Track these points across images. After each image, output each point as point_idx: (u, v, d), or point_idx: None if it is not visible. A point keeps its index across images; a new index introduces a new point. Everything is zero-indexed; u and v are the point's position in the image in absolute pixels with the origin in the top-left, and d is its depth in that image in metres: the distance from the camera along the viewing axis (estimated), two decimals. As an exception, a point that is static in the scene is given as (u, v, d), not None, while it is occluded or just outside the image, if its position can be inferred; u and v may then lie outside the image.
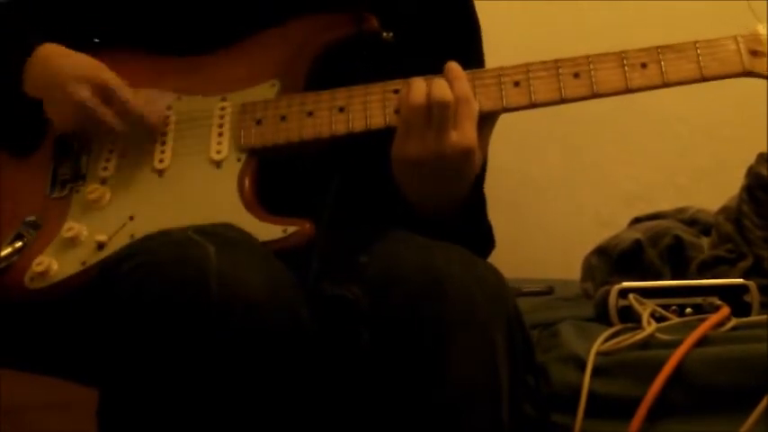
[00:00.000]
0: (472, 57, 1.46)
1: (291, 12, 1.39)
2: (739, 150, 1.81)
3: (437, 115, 1.24)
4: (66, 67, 1.34)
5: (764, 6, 2.16)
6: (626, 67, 1.27)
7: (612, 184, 2.47)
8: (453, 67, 1.28)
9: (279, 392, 1.13)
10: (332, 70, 1.37)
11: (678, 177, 2.40)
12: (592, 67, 1.28)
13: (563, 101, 1.29)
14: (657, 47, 1.28)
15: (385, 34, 1.38)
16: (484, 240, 1.43)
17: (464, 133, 1.25)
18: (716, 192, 1.84)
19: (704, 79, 1.27)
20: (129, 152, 1.37)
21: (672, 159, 2.41)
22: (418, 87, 1.26)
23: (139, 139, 1.36)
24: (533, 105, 1.29)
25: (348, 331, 1.21)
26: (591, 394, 1.30)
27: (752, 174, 1.67)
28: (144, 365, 1.10)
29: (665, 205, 2.04)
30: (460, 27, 1.49)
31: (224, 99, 1.36)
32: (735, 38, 1.28)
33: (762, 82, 1.30)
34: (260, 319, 1.11)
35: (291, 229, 1.25)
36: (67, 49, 1.37)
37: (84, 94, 1.32)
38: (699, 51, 1.27)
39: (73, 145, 1.39)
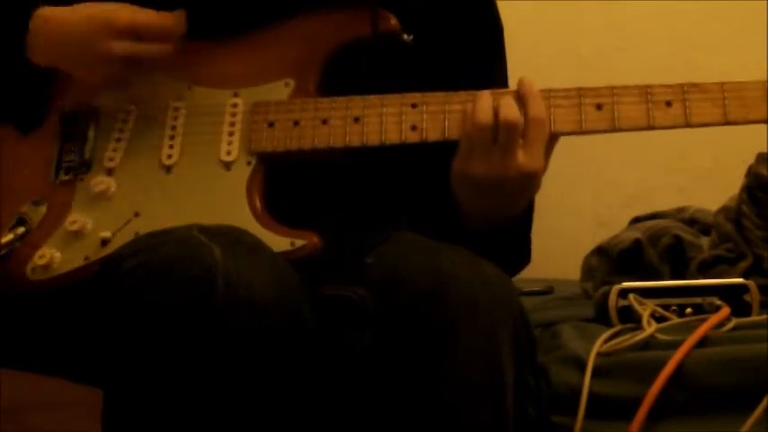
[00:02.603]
0: (495, 59, 1.42)
1: (307, 4, 1.34)
2: (739, 150, 1.81)
3: (504, 136, 1.20)
4: (76, 27, 1.28)
5: (764, 7, 2.17)
6: (650, 104, 1.25)
7: (612, 184, 2.47)
8: (527, 83, 1.24)
9: (282, 392, 1.13)
10: (347, 69, 1.34)
11: (678, 177, 2.40)
12: (615, 99, 1.25)
13: (583, 132, 1.27)
14: (683, 84, 1.25)
15: (405, 36, 1.32)
16: (522, 256, 1.38)
17: (533, 156, 1.21)
18: (715, 192, 1.84)
19: (727, 123, 1.25)
20: (137, 142, 1.34)
21: (672, 159, 2.40)
22: (484, 105, 1.21)
23: (148, 129, 1.34)
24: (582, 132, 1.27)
25: (352, 332, 1.21)
26: (591, 395, 1.30)
27: (752, 174, 1.67)
28: (146, 364, 1.09)
29: (664, 205, 2.04)
30: (483, 27, 1.42)
31: (236, 95, 1.33)
32: (764, 83, 1.25)
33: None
34: (264, 319, 1.10)
35: (299, 242, 1.23)
36: (62, 8, 1.30)
37: (113, 47, 1.27)
38: (725, 94, 1.24)
39: (78, 124, 1.35)
